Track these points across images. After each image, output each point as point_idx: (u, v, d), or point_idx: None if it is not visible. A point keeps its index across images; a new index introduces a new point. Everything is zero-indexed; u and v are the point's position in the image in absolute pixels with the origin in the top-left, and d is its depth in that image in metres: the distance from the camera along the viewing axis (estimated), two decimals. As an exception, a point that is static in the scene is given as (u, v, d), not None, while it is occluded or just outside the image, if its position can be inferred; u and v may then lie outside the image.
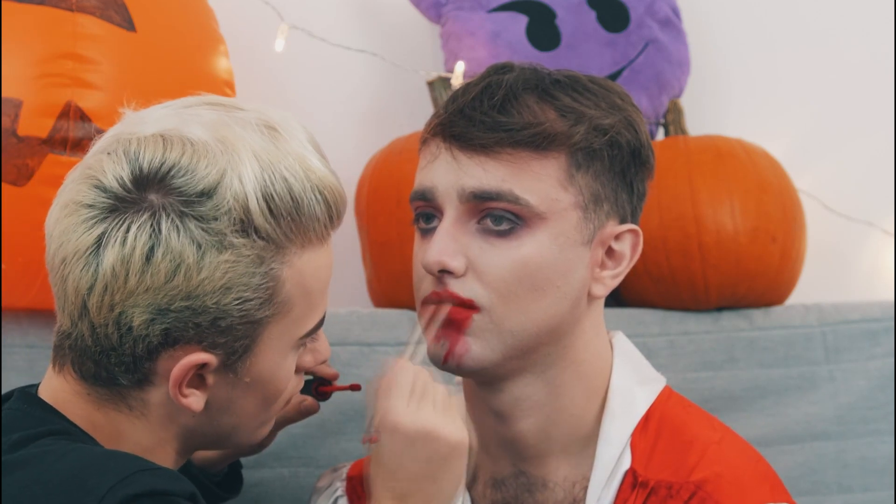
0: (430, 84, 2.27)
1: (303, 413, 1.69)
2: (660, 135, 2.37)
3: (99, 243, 1.35)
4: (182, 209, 1.35)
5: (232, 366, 1.40)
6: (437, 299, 1.53)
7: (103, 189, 1.37)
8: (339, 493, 1.75)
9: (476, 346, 1.52)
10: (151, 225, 1.34)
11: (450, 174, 1.52)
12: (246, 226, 1.36)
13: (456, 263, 1.51)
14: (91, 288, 1.36)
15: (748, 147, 2.26)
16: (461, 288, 1.51)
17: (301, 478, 2.03)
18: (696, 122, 2.39)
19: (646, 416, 1.59)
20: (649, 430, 1.58)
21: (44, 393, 1.44)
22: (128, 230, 1.34)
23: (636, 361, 1.64)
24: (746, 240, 2.18)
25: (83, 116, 1.88)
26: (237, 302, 1.36)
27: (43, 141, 1.87)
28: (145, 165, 1.36)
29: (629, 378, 1.61)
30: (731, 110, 2.52)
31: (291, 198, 1.38)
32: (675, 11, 2.38)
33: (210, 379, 1.40)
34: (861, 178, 2.53)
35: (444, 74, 2.27)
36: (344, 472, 1.77)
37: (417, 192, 1.55)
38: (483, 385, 1.57)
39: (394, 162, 2.18)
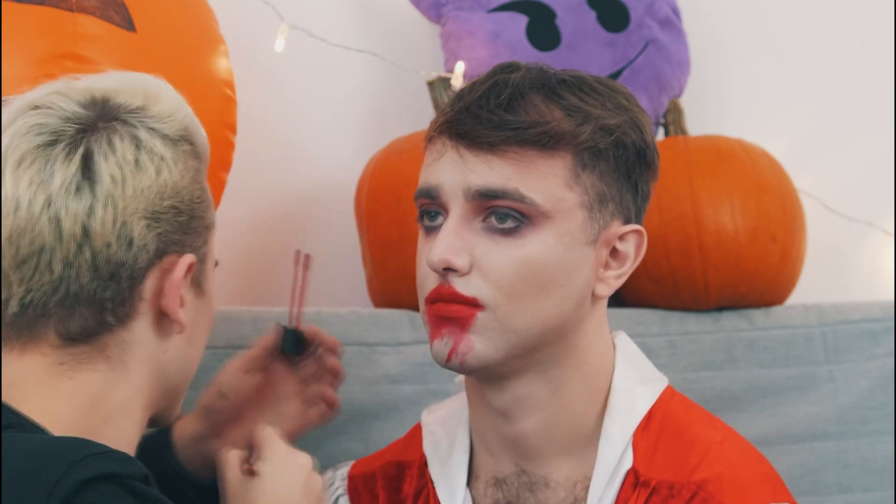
0: (430, 84, 2.27)
1: (323, 418, 1.72)
2: (660, 135, 2.37)
3: (86, 164, 1.40)
4: (143, 119, 1.43)
5: (198, 276, 1.47)
6: (440, 297, 1.53)
7: (64, 119, 1.42)
8: (339, 492, 1.75)
9: (480, 345, 1.52)
10: (128, 132, 1.42)
11: (455, 172, 1.52)
12: (195, 123, 1.49)
13: (461, 261, 1.51)
14: (91, 209, 1.39)
15: (748, 147, 2.26)
16: (465, 286, 1.51)
17: (301, 478, 2.03)
18: (696, 122, 2.39)
19: (648, 415, 1.59)
20: (651, 430, 1.58)
21: None
22: (110, 141, 1.41)
23: (638, 361, 1.64)
24: (746, 240, 2.18)
25: (83, 116, 1.88)
26: (199, 200, 1.46)
27: (43, 141, 1.87)
28: (81, 97, 1.45)
29: (631, 378, 1.61)
30: (731, 110, 2.52)
31: (197, 126, 1.50)
32: (675, 11, 2.38)
33: (185, 293, 1.45)
34: (861, 178, 2.53)
35: (444, 74, 2.27)
36: (345, 471, 1.77)
37: (422, 190, 1.55)
38: (486, 384, 1.57)
39: (394, 162, 2.18)
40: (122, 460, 1.33)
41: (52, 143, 1.41)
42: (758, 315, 2.24)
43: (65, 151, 1.41)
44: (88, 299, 1.41)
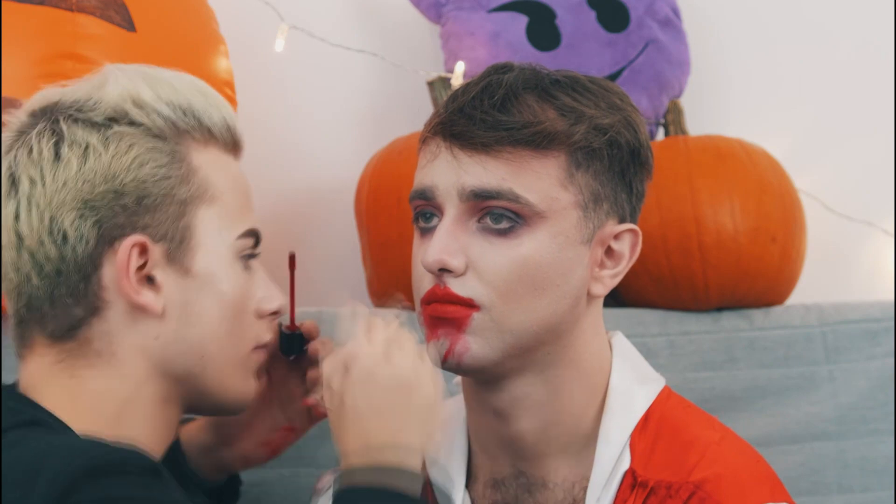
0: (430, 84, 2.27)
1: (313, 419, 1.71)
2: (660, 135, 2.37)
3: (10, 170, 1.43)
4: (78, 114, 1.44)
5: (175, 256, 1.45)
6: (435, 298, 1.53)
7: (11, 133, 1.45)
8: (339, 492, 1.75)
9: (476, 345, 1.52)
10: (51, 128, 1.43)
11: (450, 173, 1.52)
12: (139, 102, 1.45)
13: (456, 262, 1.51)
14: (17, 213, 1.42)
15: (748, 147, 2.26)
16: (461, 287, 1.51)
17: (301, 478, 2.03)
18: (696, 122, 2.39)
19: (645, 416, 1.59)
20: (649, 431, 1.58)
21: (22, 383, 1.47)
22: (35, 143, 1.42)
23: (635, 361, 1.64)
24: (746, 240, 2.18)
25: (83, 116, 1.88)
26: (154, 177, 1.43)
27: (43, 141, 1.87)
28: (37, 105, 1.47)
29: (628, 378, 1.61)
30: (731, 110, 2.52)
31: (182, 97, 1.48)
32: (675, 11, 2.38)
33: (159, 275, 1.44)
34: (861, 178, 2.53)
35: (444, 74, 2.27)
36: (344, 472, 1.77)
37: (417, 191, 1.55)
38: (482, 384, 1.57)
39: (394, 162, 2.18)
40: (129, 452, 1.34)
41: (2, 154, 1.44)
42: (758, 315, 2.24)
43: (4, 161, 1.44)
44: (48, 299, 1.43)
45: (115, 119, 1.44)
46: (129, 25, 1.95)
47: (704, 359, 2.21)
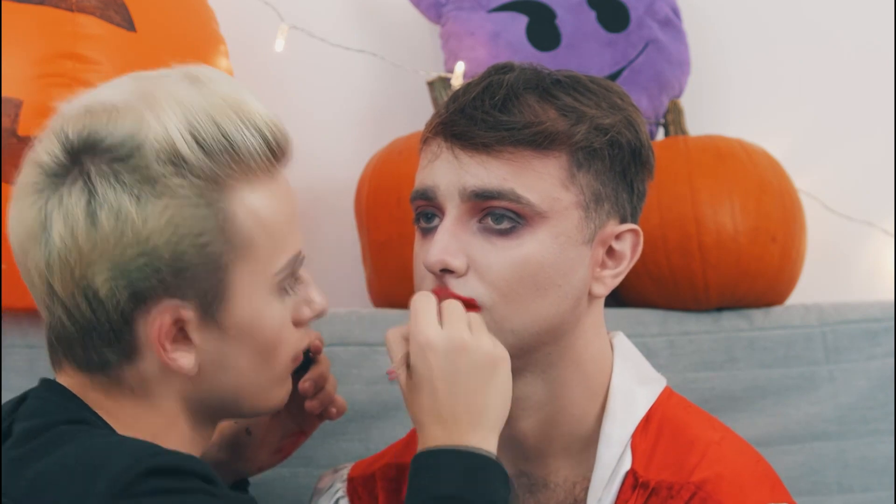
0: (430, 84, 2.27)
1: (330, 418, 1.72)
2: (660, 135, 2.37)
3: (45, 220, 1.39)
4: (113, 166, 1.38)
5: (211, 315, 1.41)
6: (437, 298, 1.53)
7: (40, 167, 1.40)
8: (339, 494, 1.75)
9: (477, 346, 1.52)
10: (88, 189, 1.38)
11: (451, 173, 1.52)
12: (178, 167, 1.38)
13: (457, 262, 1.51)
14: (50, 266, 1.39)
15: (748, 147, 2.26)
16: (462, 287, 1.51)
17: (301, 478, 2.03)
18: (696, 122, 2.39)
19: (646, 416, 1.59)
20: (650, 431, 1.58)
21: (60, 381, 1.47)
22: (67, 199, 1.38)
23: (636, 362, 1.64)
24: (746, 240, 2.18)
25: (83, 116, 1.88)
26: (192, 245, 1.38)
27: (43, 141, 1.87)
28: (73, 136, 1.40)
29: (630, 378, 1.61)
30: (731, 110, 2.52)
31: (222, 134, 1.40)
32: (675, 11, 2.38)
33: (194, 335, 1.41)
34: (861, 178, 2.53)
35: (444, 74, 2.27)
36: (345, 473, 1.77)
37: (418, 192, 1.55)
38: (484, 384, 1.57)
39: (394, 162, 2.18)
40: (188, 459, 1.35)
41: (31, 186, 1.41)
42: (758, 315, 2.24)
43: (36, 199, 1.40)
44: (79, 342, 1.41)
45: (150, 183, 1.37)
46: (129, 25, 1.95)
47: (704, 359, 2.21)
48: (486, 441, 1.45)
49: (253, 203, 1.42)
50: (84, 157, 1.39)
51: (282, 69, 2.35)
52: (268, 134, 1.43)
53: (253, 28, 2.29)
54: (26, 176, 1.42)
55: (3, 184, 1.87)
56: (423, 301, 1.50)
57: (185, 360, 1.41)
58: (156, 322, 1.39)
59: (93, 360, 1.42)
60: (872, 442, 2.22)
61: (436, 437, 1.45)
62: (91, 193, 1.38)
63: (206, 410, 1.48)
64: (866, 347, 2.25)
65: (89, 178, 1.38)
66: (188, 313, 1.40)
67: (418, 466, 1.45)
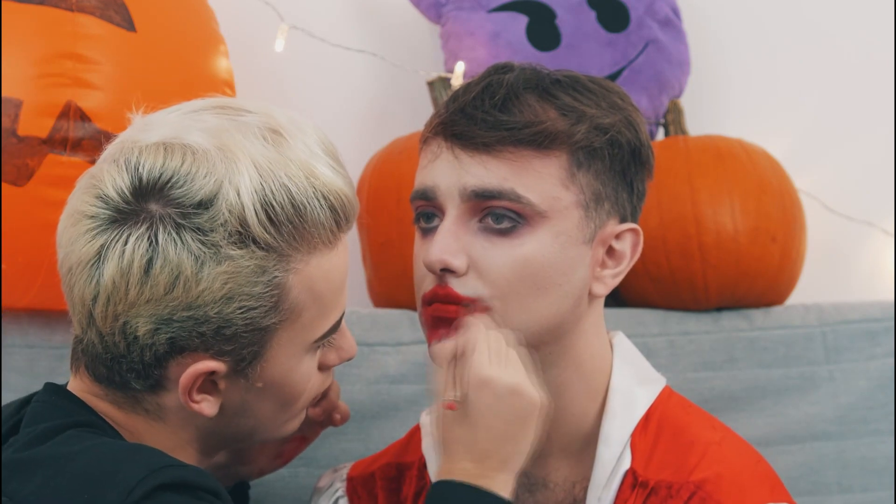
0: (430, 84, 2.27)
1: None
2: (660, 135, 2.37)
3: (100, 255, 1.37)
4: (179, 221, 1.36)
5: (242, 371, 1.41)
6: (437, 298, 1.53)
7: (104, 200, 1.38)
8: (339, 493, 1.75)
9: (477, 345, 1.52)
10: (149, 237, 1.36)
11: (451, 173, 1.52)
12: (244, 237, 1.37)
13: (458, 262, 1.51)
14: (95, 298, 1.38)
15: (748, 147, 2.26)
16: (463, 287, 1.51)
17: (301, 478, 2.03)
18: (696, 122, 2.39)
19: (646, 416, 1.59)
20: (649, 431, 1.58)
21: (71, 386, 1.47)
22: (126, 242, 1.36)
23: (636, 361, 1.64)
24: (746, 240, 2.18)
25: (83, 116, 1.88)
26: (241, 311, 1.37)
27: (43, 141, 1.87)
28: (145, 175, 1.38)
29: (629, 378, 1.61)
30: (731, 110, 2.52)
31: (293, 205, 1.38)
32: (675, 11, 2.38)
33: (222, 384, 1.41)
34: (861, 178, 2.53)
35: (444, 74, 2.27)
36: (344, 472, 1.77)
37: (418, 192, 1.55)
38: (483, 384, 1.57)
39: (394, 162, 2.18)
40: (197, 473, 1.34)
41: (91, 217, 1.39)
42: (758, 315, 2.24)
43: (93, 232, 1.38)
44: (107, 365, 1.41)
45: (214, 245, 1.36)
46: (129, 25, 1.95)
47: (704, 359, 2.21)
48: (507, 485, 1.46)
49: (310, 273, 1.41)
50: (152, 202, 1.37)
51: (282, 69, 2.35)
52: (336, 204, 1.42)
53: (253, 28, 2.29)
54: (87, 202, 1.40)
55: (3, 184, 1.87)
56: (481, 332, 1.49)
57: (207, 406, 1.41)
58: (188, 373, 1.39)
59: (114, 380, 1.42)
60: (872, 442, 2.22)
61: (464, 469, 1.45)
62: (152, 243, 1.36)
63: (218, 442, 1.48)
64: (866, 347, 2.25)
65: (156, 232, 1.36)
66: (221, 367, 1.40)
67: (438, 493, 1.44)
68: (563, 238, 1.52)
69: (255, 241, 1.37)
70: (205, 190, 1.36)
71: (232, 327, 1.38)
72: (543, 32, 2.28)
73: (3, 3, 1.89)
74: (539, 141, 1.51)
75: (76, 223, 1.40)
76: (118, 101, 1.92)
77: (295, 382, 1.46)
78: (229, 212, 1.36)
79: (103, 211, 1.38)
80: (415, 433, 1.72)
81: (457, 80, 2.23)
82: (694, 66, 2.41)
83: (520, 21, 2.28)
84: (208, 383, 1.41)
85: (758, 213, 2.19)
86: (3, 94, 1.87)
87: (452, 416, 1.47)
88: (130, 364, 1.40)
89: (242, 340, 1.39)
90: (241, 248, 1.37)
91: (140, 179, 1.38)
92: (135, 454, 1.35)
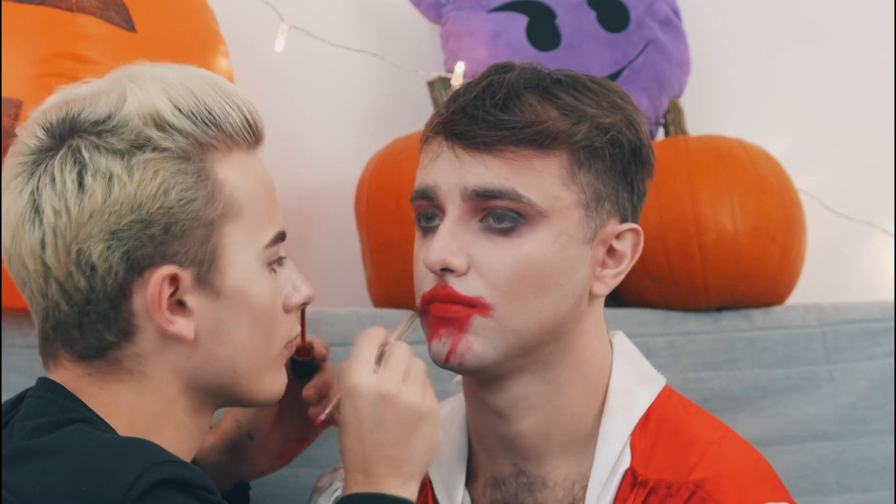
0: (430, 84, 2.27)
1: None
2: (660, 135, 2.37)
3: (36, 198, 1.40)
4: (94, 134, 1.41)
5: (205, 279, 1.43)
6: (438, 297, 1.53)
7: (25, 152, 1.42)
8: (339, 492, 1.75)
9: (478, 345, 1.52)
10: (72, 156, 1.40)
11: (452, 173, 1.52)
12: (164, 130, 1.41)
13: (458, 262, 1.51)
14: (43, 242, 1.40)
15: (748, 147, 2.26)
16: (463, 286, 1.51)
17: (301, 478, 2.03)
18: (696, 122, 2.39)
19: (646, 415, 1.59)
20: (649, 430, 1.58)
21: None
22: (52, 170, 1.40)
23: (636, 361, 1.64)
24: (746, 240, 2.18)
25: (83, 116, 1.88)
26: (181, 203, 1.41)
27: (43, 141, 1.87)
28: (55, 120, 1.43)
29: (629, 377, 1.61)
30: (731, 110, 2.52)
31: (202, 105, 1.44)
32: (675, 11, 2.38)
33: (191, 300, 1.43)
34: (861, 178, 2.53)
35: (444, 74, 2.27)
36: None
37: (419, 191, 1.55)
38: (483, 384, 1.57)
39: (394, 162, 2.18)
40: (195, 471, 1.35)
41: (17, 175, 1.43)
42: (758, 315, 2.24)
43: (20, 185, 1.42)
44: (77, 324, 1.42)
45: (138, 146, 1.41)
46: (129, 26, 1.95)
47: (704, 359, 2.21)
48: (405, 488, 1.48)
49: (239, 168, 1.46)
50: (69, 136, 1.42)
51: (282, 69, 2.36)
52: (245, 110, 1.47)
53: (253, 28, 2.29)
54: (10, 167, 1.43)
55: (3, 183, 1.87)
56: (365, 343, 1.52)
57: (183, 326, 1.43)
58: (153, 281, 1.41)
59: (90, 345, 1.43)
60: (872, 442, 2.23)
61: (356, 481, 1.48)
62: (81, 163, 1.40)
63: (202, 390, 1.48)
64: (866, 347, 2.25)
65: (79, 150, 1.40)
66: (184, 276, 1.42)
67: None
68: (564, 238, 1.52)
69: (178, 133, 1.42)
70: (111, 102, 1.42)
71: (178, 223, 1.41)
72: (543, 32, 2.28)
73: (3, 3, 1.90)
74: (540, 140, 1.50)
75: (6, 189, 1.43)
76: (118, 102, 1.93)
77: (260, 297, 1.47)
78: (145, 110, 1.41)
79: (27, 161, 1.42)
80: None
81: (457, 80, 2.24)
82: (694, 66, 2.41)
83: (520, 21, 2.28)
84: (178, 308, 1.43)
85: (758, 213, 2.19)
86: (3, 94, 1.87)
87: (341, 429, 1.50)
88: (98, 310, 1.41)
89: (194, 238, 1.42)
90: (166, 141, 1.41)
91: (50, 124, 1.43)
92: (133, 449, 1.35)
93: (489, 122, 1.50)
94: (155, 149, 1.40)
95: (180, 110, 1.42)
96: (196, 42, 2.05)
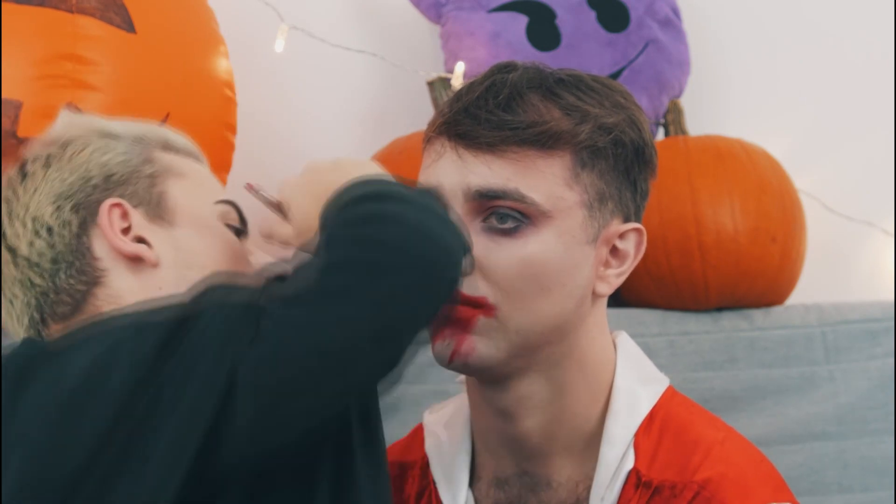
0: (430, 84, 2.27)
1: None
2: (660, 135, 2.37)
3: None
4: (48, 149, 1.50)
5: (156, 214, 1.48)
6: None
7: None
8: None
9: (481, 345, 1.52)
10: (17, 167, 1.50)
11: (455, 173, 1.52)
12: (105, 132, 1.51)
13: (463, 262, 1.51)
14: (3, 232, 1.47)
15: (748, 147, 2.26)
16: (467, 286, 1.51)
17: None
18: (696, 122, 2.39)
19: (649, 415, 1.59)
20: (653, 430, 1.58)
21: None
22: (5, 188, 1.49)
23: (639, 361, 1.64)
24: (746, 240, 2.18)
25: (83, 117, 1.88)
26: (116, 161, 1.48)
27: (43, 142, 1.87)
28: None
29: (632, 378, 1.60)
30: (731, 110, 2.52)
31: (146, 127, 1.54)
32: (675, 11, 2.38)
33: (145, 233, 1.47)
34: (861, 178, 2.54)
35: (444, 75, 2.27)
36: (345, 472, 1.77)
37: (422, 191, 1.55)
38: (487, 384, 1.57)
39: (394, 162, 2.18)
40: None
41: None
42: (758, 315, 2.24)
43: None
44: (52, 289, 1.46)
45: (71, 140, 1.50)
46: (129, 27, 1.95)
47: (704, 359, 2.21)
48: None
49: (177, 158, 1.53)
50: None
51: (282, 69, 2.36)
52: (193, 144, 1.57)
53: (253, 28, 2.29)
54: None
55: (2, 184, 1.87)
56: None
57: (144, 250, 1.46)
58: (101, 218, 1.46)
59: (67, 301, 1.46)
60: (872, 442, 2.23)
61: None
62: (21, 161, 1.49)
63: None
64: (866, 347, 2.25)
65: (24, 167, 1.49)
66: (133, 213, 1.46)
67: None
68: (567, 238, 1.52)
69: (112, 133, 1.50)
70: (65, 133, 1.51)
71: (117, 174, 1.47)
72: (543, 32, 2.28)
73: (3, 4, 1.89)
74: (543, 140, 1.50)
75: None
76: (118, 103, 1.93)
77: (222, 234, 1.50)
78: (84, 124, 1.51)
79: None
80: (417, 432, 1.71)
81: (457, 81, 2.23)
82: (694, 66, 2.41)
83: (520, 21, 2.28)
84: (135, 240, 1.46)
85: (758, 213, 2.19)
86: (2, 96, 1.87)
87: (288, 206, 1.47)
88: (64, 264, 1.46)
89: (136, 185, 1.48)
90: (97, 136, 1.50)
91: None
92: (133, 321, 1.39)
93: (492, 122, 1.50)
94: (91, 141, 1.50)
95: (125, 128, 1.52)
96: (196, 42, 2.05)
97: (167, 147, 1.53)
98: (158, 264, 1.46)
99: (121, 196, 1.47)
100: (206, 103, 2.04)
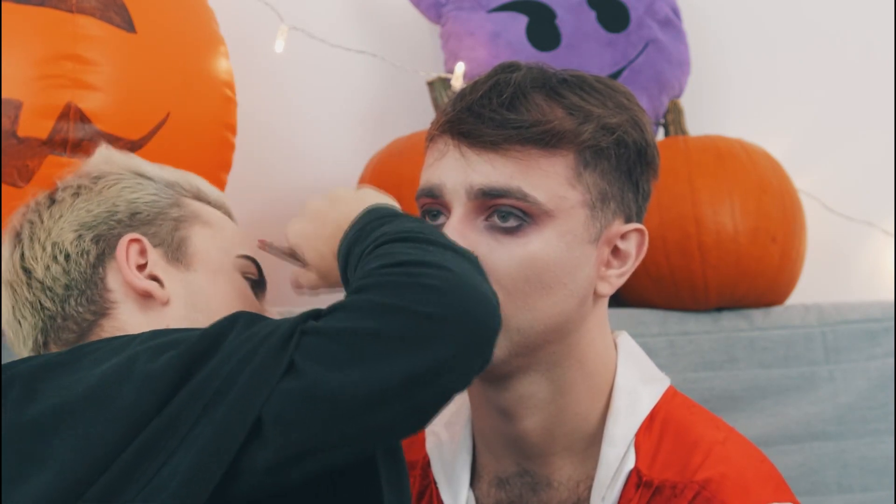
0: (430, 84, 2.27)
1: None
2: (660, 135, 2.37)
3: (14, 231, 1.53)
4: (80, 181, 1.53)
5: (175, 257, 1.50)
6: None
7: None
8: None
9: (483, 345, 1.52)
10: (46, 193, 1.53)
11: (458, 171, 1.52)
12: (136, 173, 1.55)
13: (464, 261, 1.51)
14: (22, 254, 1.50)
15: (748, 147, 2.27)
16: (468, 285, 1.51)
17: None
18: (696, 122, 2.40)
19: (650, 415, 1.59)
20: (654, 430, 1.58)
21: None
22: (30, 205, 1.53)
23: (640, 361, 1.64)
24: (746, 240, 2.18)
25: (83, 118, 1.88)
26: (144, 201, 1.51)
27: (43, 142, 1.87)
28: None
29: (633, 377, 1.60)
30: (731, 110, 2.52)
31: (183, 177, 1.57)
32: (675, 11, 2.38)
33: (159, 273, 1.48)
34: (861, 178, 2.54)
35: (444, 75, 2.27)
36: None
37: (425, 189, 1.55)
38: (488, 383, 1.57)
39: (394, 162, 2.18)
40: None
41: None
42: (758, 315, 2.24)
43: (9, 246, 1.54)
44: (60, 314, 1.48)
45: (104, 175, 1.53)
46: (129, 26, 1.95)
47: (704, 359, 2.21)
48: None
49: (206, 208, 1.56)
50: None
51: (282, 70, 2.36)
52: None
53: (253, 28, 2.29)
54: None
55: (3, 185, 1.86)
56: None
57: (156, 288, 1.47)
58: (119, 251, 1.48)
59: (72, 329, 1.48)
60: (872, 442, 2.23)
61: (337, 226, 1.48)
62: (52, 189, 1.52)
63: None
64: (866, 347, 2.25)
65: (53, 194, 1.52)
66: (152, 252, 1.49)
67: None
68: (569, 237, 1.52)
69: (146, 174, 1.55)
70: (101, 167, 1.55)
71: (143, 213, 1.50)
72: (543, 32, 2.28)
73: (3, 3, 1.89)
74: (546, 140, 1.50)
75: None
76: (118, 103, 1.93)
77: (236, 284, 1.52)
78: (119, 164, 1.55)
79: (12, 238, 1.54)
80: (418, 432, 1.72)
81: (457, 81, 2.24)
82: (694, 66, 2.42)
83: (520, 21, 2.28)
84: (149, 277, 1.48)
85: (758, 213, 2.19)
86: (3, 96, 1.87)
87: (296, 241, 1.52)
88: (76, 292, 1.48)
89: (160, 226, 1.51)
90: (132, 175, 1.54)
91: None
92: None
93: (495, 121, 1.50)
94: (123, 178, 1.53)
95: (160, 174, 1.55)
96: (196, 43, 2.05)
97: (199, 196, 1.56)
98: (168, 303, 1.48)
99: (143, 234, 1.49)
100: (206, 103, 2.04)
